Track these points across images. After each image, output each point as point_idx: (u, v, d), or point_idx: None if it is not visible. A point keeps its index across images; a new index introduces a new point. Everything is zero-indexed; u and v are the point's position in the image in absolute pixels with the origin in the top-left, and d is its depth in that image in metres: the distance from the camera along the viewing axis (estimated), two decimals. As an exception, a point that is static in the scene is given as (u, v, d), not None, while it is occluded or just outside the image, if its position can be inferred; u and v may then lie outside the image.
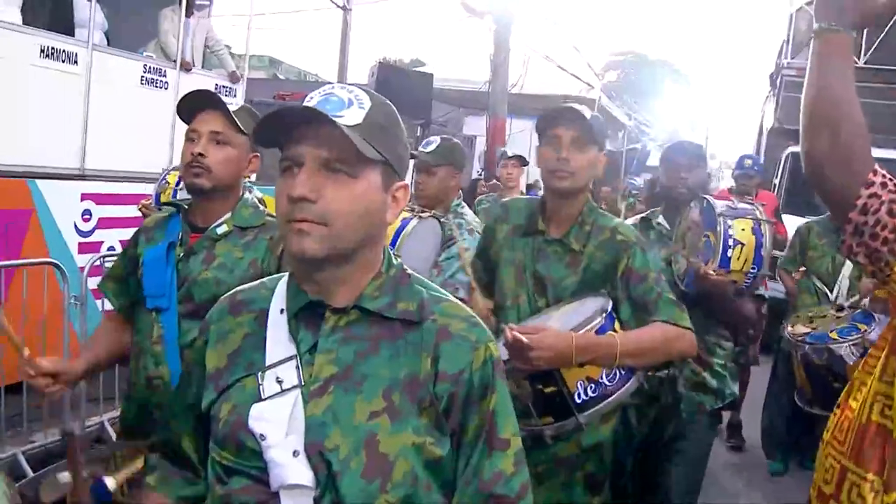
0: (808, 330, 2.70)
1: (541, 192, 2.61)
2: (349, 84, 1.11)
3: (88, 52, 4.76)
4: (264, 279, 1.19)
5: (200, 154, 1.76)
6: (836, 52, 1.19)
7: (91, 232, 4.68)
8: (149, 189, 4.21)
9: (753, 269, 2.24)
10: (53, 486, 1.46)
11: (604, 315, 1.70)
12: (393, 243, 2.23)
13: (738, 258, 2.21)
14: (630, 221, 2.69)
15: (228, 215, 1.85)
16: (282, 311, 1.08)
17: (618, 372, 1.69)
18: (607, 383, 1.68)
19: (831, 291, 3.64)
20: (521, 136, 10.92)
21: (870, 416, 1.20)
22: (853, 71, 1.20)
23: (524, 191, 5.86)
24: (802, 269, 3.89)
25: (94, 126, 4.80)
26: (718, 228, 2.21)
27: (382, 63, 10.39)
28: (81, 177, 4.77)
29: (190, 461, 1.16)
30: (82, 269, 3.89)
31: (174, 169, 3.57)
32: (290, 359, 1.04)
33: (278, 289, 1.11)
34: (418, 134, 8.44)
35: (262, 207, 1.92)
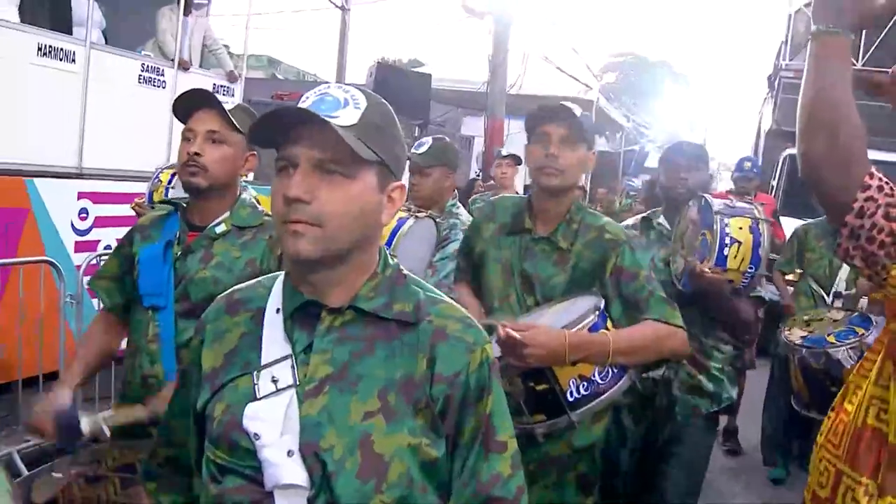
0: (805, 334, 2.68)
1: None
2: (346, 84, 1.10)
3: (86, 51, 4.75)
4: (261, 278, 1.18)
5: (197, 153, 1.76)
6: (834, 55, 1.19)
7: (88, 231, 4.67)
8: (145, 188, 4.20)
9: (751, 268, 2.22)
10: (47, 485, 1.46)
11: (597, 313, 1.69)
12: (389, 243, 2.22)
13: (735, 257, 2.19)
14: (630, 221, 2.67)
15: (227, 214, 1.85)
16: (278, 310, 1.08)
17: (610, 370, 1.68)
18: (600, 381, 1.67)
19: (828, 294, 3.63)
20: (519, 137, 10.84)
21: (865, 420, 1.20)
22: (851, 73, 1.20)
23: (519, 191, 5.85)
24: (799, 271, 3.88)
25: (92, 125, 4.79)
26: (715, 226, 2.19)
27: (381, 63, 10.38)
28: (78, 175, 4.77)
29: (188, 468, 1.16)
30: (79, 267, 3.89)
31: (167, 167, 3.57)
32: (285, 358, 1.04)
33: (275, 288, 1.11)
34: (416, 134, 8.44)
35: (260, 207, 1.92)
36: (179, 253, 1.81)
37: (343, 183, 1.00)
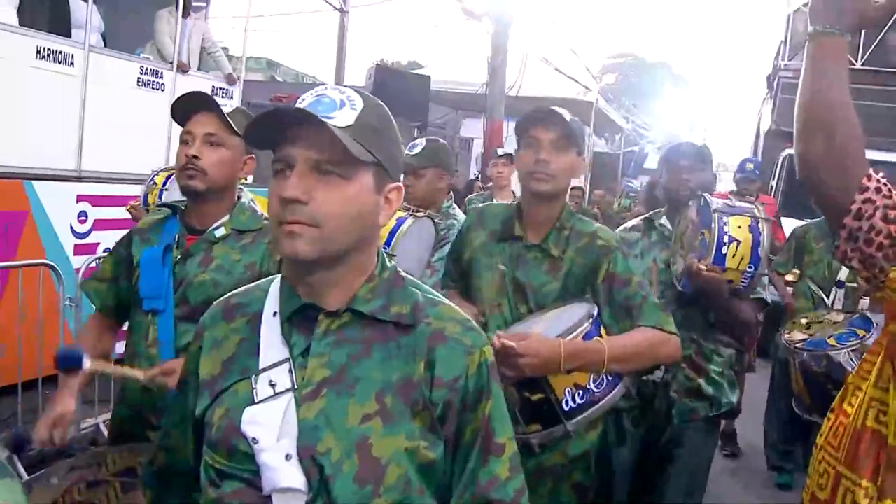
0: (806, 336, 2.65)
1: None
2: (342, 85, 1.10)
3: (85, 54, 4.75)
4: (259, 281, 1.18)
5: (195, 156, 1.75)
6: (831, 56, 1.18)
7: (87, 234, 4.67)
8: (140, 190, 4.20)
9: (750, 267, 2.19)
10: (47, 490, 1.46)
11: (590, 321, 1.68)
12: (388, 243, 2.21)
13: (734, 256, 2.16)
14: (633, 222, 2.65)
15: (226, 218, 1.84)
16: (275, 313, 1.07)
17: (605, 378, 1.67)
18: (595, 390, 1.66)
19: (828, 296, 3.60)
20: (519, 138, 10.89)
21: (864, 422, 1.19)
22: (848, 74, 1.19)
23: (516, 190, 5.83)
24: (797, 271, 3.86)
25: (91, 127, 4.79)
26: (713, 225, 2.17)
27: (380, 65, 10.39)
28: (78, 178, 4.76)
29: (186, 474, 1.15)
30: (78, 270, 3.88)
31: (162, 170, 3.56)
32: (282, 362, 1.04)
33: (271, 291, 1.11)
34: (415, 136, 8.45)
35: (259, 211, 1.91)
36: (179, 256, 1.80)
37: (340, 184, 1.00)
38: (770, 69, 14.97)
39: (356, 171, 1.01)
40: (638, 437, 2.39)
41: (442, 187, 2.76)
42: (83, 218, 4.65)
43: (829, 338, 2.52)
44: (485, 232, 1.97)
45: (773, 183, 8.45)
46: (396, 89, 8.92)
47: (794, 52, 11.21)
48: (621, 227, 2.69)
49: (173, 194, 3.17)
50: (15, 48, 4.32)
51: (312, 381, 1.02)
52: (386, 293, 1.07)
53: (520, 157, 1.90)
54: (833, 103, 1.16)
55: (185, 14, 5.75)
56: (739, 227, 2.19)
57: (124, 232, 2.00)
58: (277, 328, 1.06)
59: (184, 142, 1.79)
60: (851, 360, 2.33)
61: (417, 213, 2.35)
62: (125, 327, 1.93)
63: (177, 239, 1.82)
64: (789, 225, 5.03)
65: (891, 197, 1.14)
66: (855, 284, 3.33)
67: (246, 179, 3.01)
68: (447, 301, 1.13)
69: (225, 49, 6.73)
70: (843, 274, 3.53)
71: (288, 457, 0.98)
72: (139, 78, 5.27)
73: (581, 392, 1.64)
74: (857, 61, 10.35)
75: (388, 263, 1.11)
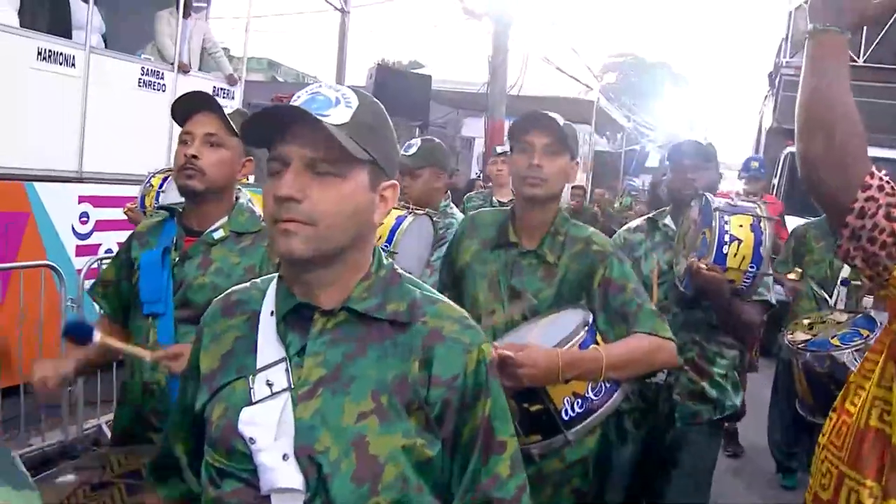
0: (809, 337, 2.62)
1: None
2: (337, 84, 1.10)
3: (86, 55, 4.75)
4: (257, 279, 1.18)
5: (194, 156, 1.75)
6: (831, 54, 1.18)
7: (88, 234, 4.68)
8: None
9: (752, 267, 2.16)
10: (51, 492, 1.45)
11: (586, 328, 1.67)
12: (389, 240, 2.21)
13: (735, 255, 2.14)
14: (636, 223, 2.63)
15: (225, 220, 1.84)
16: (272, 313, 1.07)
17: (603, 385, 1.66)
18: (593, 397, 1.65)
19: (831, 296, 3.58)
20: (520, 138, 10.88)
21: (868, 422, 1.19)
22: (848, 72, 1.19)
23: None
24: (799, 269, 3.84)
25: (92, 128, 4.80)
26: (714, 224, 2.15)
27: (381, 65, 10.39)
28: (79, 179, 4.77)
29: (179, 464, 1.17)
30: (79, 271, 3.88)
31: (159, 172, 3.57)
32: (279, 361, 1.04)
33: (269, 290, 1.11)
34: (417, 136, 8.45)
35: (257, 212, 1.91)
36: (177, 259, 1.80)
37: (335, 182, 0.99)
38: (771, 67, 14.95)
39: (351, 169, 1.00)
40: (639, 438, 2.38)
41: (439, 187, 2.76)
42: (85, 219, 4.66)
43: (832, 338, 2.49)
44: (478, 240, 1.96)
45: (775, 181, 8.43)
46: (397, 89, 8.92)
47: (796, 50, 11.19)
48: (624, 228, 2.66)
49: (170, 196, 3.17)
50: (16, 49, 4.33)
51: (309, 380, 1.02)
52: (382, 291, 1.07)
53: (513, 162, 1.89)
54: (833, 101, 1.15)
55: (186, 14, 5.75)
56: (741, 226, 2.17)
57: (126, 233, 2.00)
58: (274, 327, 1.06)
59: (183, 142, 1.79)
60: (855, 360, 2.29)
61: (417, 212, 2.34)
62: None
63: (175, 241, 1.82)
64: (792, 223, 5.01)
65: (894, 195, 1.13)
66: (859, 283, 3.31)
67: (247, 180, 3.02)
68: (445, 299, 1.13)
69: (226, 49, 6.73)
70: (846, 272, 3.51)
71: (285, 457, 0.98)
72: (140, 79, 5.27)
73: (580, 401, 1.63)
74: (859, 58, 10.33)
75: (385, 261, 1.11)
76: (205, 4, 6.29)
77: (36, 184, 4.33)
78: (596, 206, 9.41)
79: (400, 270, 1.12)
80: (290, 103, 1.02)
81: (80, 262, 4.18)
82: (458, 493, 1.04)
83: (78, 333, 1.66)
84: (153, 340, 1.77)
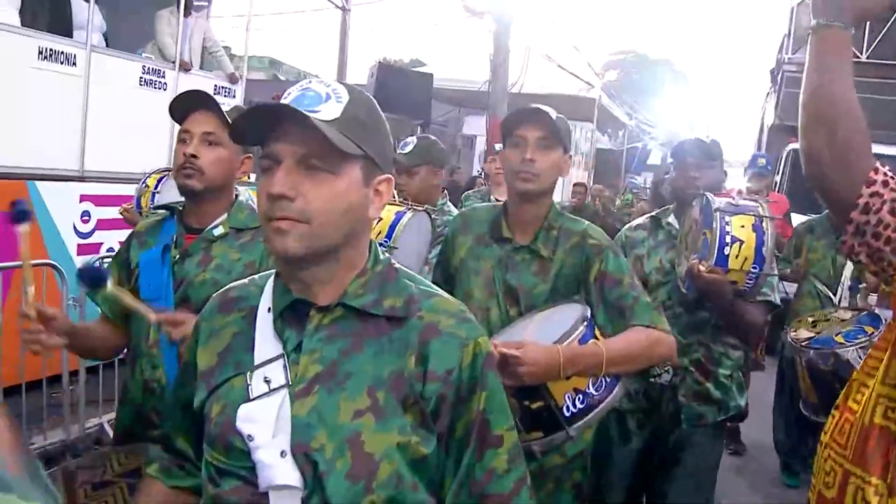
0: (812, 334, 2.60)
1: None
2: (328, 79, 1.09)
3: (87, 54, 4.75)
4: (255, 276, 1.18)
5: (193, 155, 1.75)
6: (834, 50, 1.17)
7: (90, 233, 4.68)
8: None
9: (754, 268, 2.13)
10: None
11: (585, 324, 1.66)
12: (389, 236, 2.20)
13: (737, 256, 2.12)
14: (639, 221, 2.61)
15: (224, 217, 1.83)
16: (269, 309, 1.07)
17: (603, 380, 1.65)
18: (594, 393, 1.64)
19: (834, 294, 3.55)
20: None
21: (872, 419, 1.18)
22: (852, 67, 1.18)
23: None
24: (798, 261, 3.82)
25: (93, 127, 4.80)
26: (715, 225, 2.13)
27: (382, 63, 10.38)
28: (80, 178, 4.77)
29: (187, 456, 1.17)
30: (81, 270, 3.88)
31: (154, 172, 3.57)
32: (277, 358, 1.03)
33: (267, 286, 1.10)
34: (418, 134, 8.45)
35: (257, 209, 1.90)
36: (177, 256, 1.79)
37: (328, 178, 0.99)
38: (773, 63, 14.92)
39: (344, 165, 1.00)
40: (642, 439, 2.37)
41: (436, 184, 2.75)
42: (86, 218, 4.66)
43: (836, 335, 2.47)
44: (472, 236, 1.95)
45: (777, 178, 8.41)
46: (398, 87, 8.92)
47: (798, 46, 11.16)
48: (627, 226, 2.65)
49: (165, 197, 3.16)
50: (17, 49, 4.33)
51: (305, 377, 1.01)
52: (378, 287, 1.06)
53: (506, 157, 1.87)
54: (836, 97, 1.14)
55: (187, 13, 5.74)
56: (742, 226, 2.15)
57: (127, 231, 2.00)
58: (271, 324, 1.06)
59: (182, 140, 1.78)
60: (859, 357, 2.27)
61: (416, 208, 2.34)
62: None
63: (175, 238, 1.82)
64: (795, 221, 4.99)
65: None
66: (864, 285, 3.29)
67: (249, 178, 3.01)
68: (443, 293, 1.12)
69: (227, 48, 6.72)
70: (850, 270, 3.49)
71: (283, 454, 0.98)
72: (141, 77, 5.27)
73: (581, 396, 1.63)
74: (861, 54, 10.31)
75: (381, 256, 1.10)
76: (205, 3, 6.28)
77: (37, 183, 4.33)
78: (597, 201, 9.39)
79: (397, 265, 1.12)
80: (281, 100, 1.01)
81: (82, 261, 4.18)
82: (452, 488, 1.03)
83: (92, 278, 1.64)
84: (154, 338, 1.77)
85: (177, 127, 1.84)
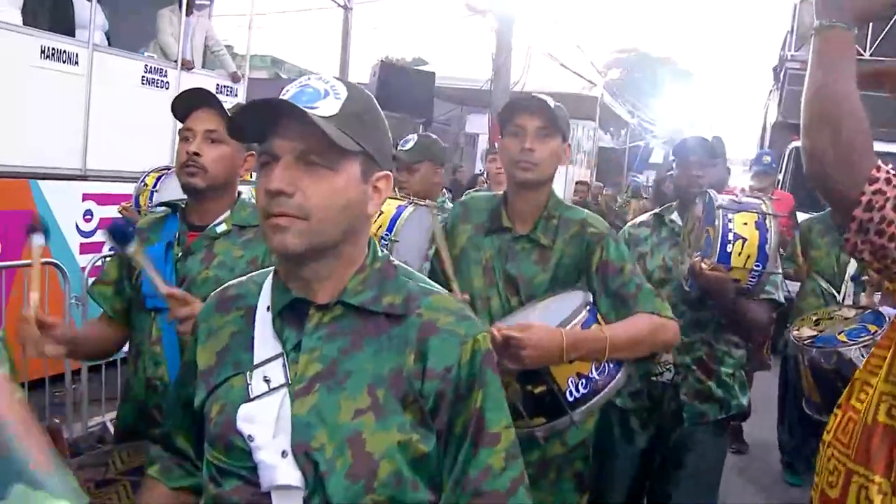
0: (815, 332, 2.59)
1: None
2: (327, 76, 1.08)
3: (89, 53, 4.76)
4: (252, 273, 1.17)
5: (196, 153, 1.75)
6: (837, 50, 1.17)
7: (92, 232, 4.68)
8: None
9: (758, 265, 2.13)
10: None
11: (587, 308, 1.66)
12: (390, 229, 2.20)
13: (740, 254, 2.11)
14: (641, 218, 2.60)
15: (227, 214, 1.84)
16: (268, 308, 1.07)
17: (606, 365, 1.65)
18: (597, 378, 1.63)
19: (838, 292, 3.54)
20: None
21: (876, 417, 1.18)
22: (854, 67, 1.18)
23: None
24: (802, 259, 3.81)
25: (96, 126, 4.81)
26: (717, 222, 2.12)
27: (384, 62, 10.38)
28: (83, 177, 4.78)
29: (187, 456, 1.17)
30: (84, 269, 3.89)
31: (153, 170, 3.57)
32: (276, 357, 1.03)
33: (265, 284, 1.10)
34: (420, 132, 8.45)
35: None
36: (180, 254, 1.79)
37: (326, 175, 0.98)
38: (776, 60, 14.88)
39: (342, 161, 0.99)
40: (645, 438, 2.36)
41: (437, 182, 2.76)
42: (88, 216, 4.67)
43: (839, 334, 2.45)
44: (471, 225, 1.94)
45: (781, 176, 8.39)
46: (401, 86, 8.92)
47: (801, 43, 11.13)
48: (630, 223, 2.64)
49: (164, 195, 3.17)
50: (19, 48, 4.34)
51: (305, 376, 1.01)
52: (378, 284, 1.06)
53: (505, 147, 1.86)
54: (839, 98, 1.14)
55: (189, 12, 5.75)
56: (745, 223, 2.14)
57: (128, 231, 1.99)
58: (270, 323, 1.05)
59: (184, 139, 1.79)
60: (862, 356, 2.26)
61: (418, 203, 2.34)
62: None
63: (177, 236, 1.82)
64: (798, 219, 4.98)
65: None
66: (867, 277, 3.28)
67: (251, 177, 3.01)
68: (441, 290, 1.11)
69: (229, 47, 6.73)
70: (853, 267, 3.48)
71: (284, 453, 0.98)
72: (143, 76, 5.28)
73: (584, 381, 1.62)
74: (865, 52, 10.28)
75: (380, 253, 1.10)
76: (207, 2, 6.30)
77: (40, 181, 4.34)
78: (599, 198, 9.39)
79: (396, 262, 1.11)
80: (280, 96, 1.01)
81: (84, 260, 4.19)
82: (448, 485, 1.02)
83: (120, 234, 1.64)
84: (157, 335, 1.77)
85: (179, 125, 1.84)
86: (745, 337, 2.41)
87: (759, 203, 2.22)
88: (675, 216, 2.48)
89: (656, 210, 2.59)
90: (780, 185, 8.04)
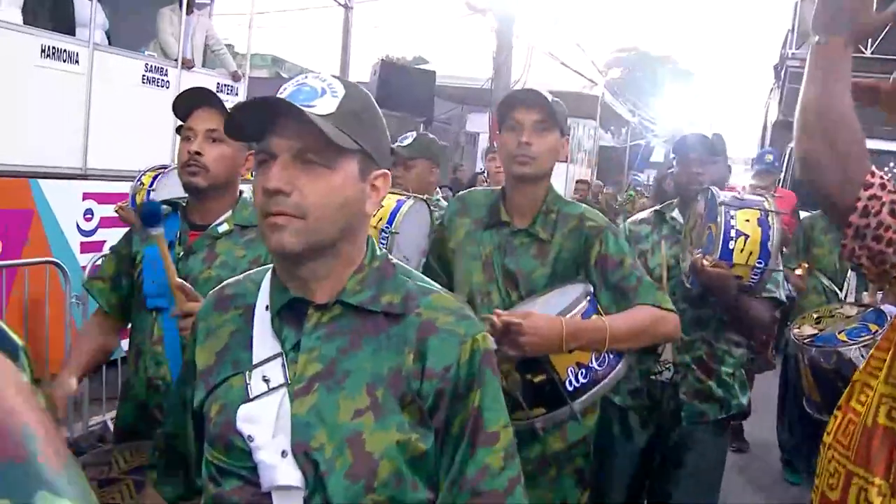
0: (815, 331, 2.57)
1: None
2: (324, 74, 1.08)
3: (90, 52, 4.75)
4: (250, 272, 1.17)
5: (197, 152, 1.75)
6: (833, 61, 1.17)
7: (93, 231, 4.68)
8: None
9: (759, 262, 2.11)
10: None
11: (588, 298, 1.65)
12: (390, 222, 2.20)
13: (742, 251, 2.09)
14: (642, 215, 2.60)
15: (229, 214, 1.83)
16: (267, 307, 1.06)
17: (606, 356, 1.64)
18: (598, 368, 1.62)
19: (840, 289, 3.53)
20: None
21: (876, 419, 1.17)
22: (850, 80, 1.18)
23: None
24: (806, 265, 3.80)
25: (96, 125, 4.80)
26: (719, 219, 2.11)
27: (385, 61, 10.37)
28: (83, 176, 4.77)
29: (186, 455, 1.16)
30: (84, 268, 3.89)
31: (150, 169, 3.56)
32: (275, 357, 1.02)
33: (263, 283, 1.09)
34: (421, 131, 8.44)
35: None
36: (182, 253, 1.79)
37: (324, 173, 0.98)
38: (777, 59, 14.88)
39: (340, 160, 0.99)
40: (645, 437, 2.35)
41: (432, 181, 2.78)
42: (89, 216, 4.67)
43: (839, 333, 2.44)
44: (469, 220, 1.93)
45: (781, 175, 8.38)
46: (401, 85, 8.91)
47: (802, 41, 11.12)
48: (631, 220, 2.64)
49: (161, 194, 3.16)
50: (19, 47, 4.33)
51: (304, 376, 1.01)
52: (376, 283, 1.05)
53: (503, 142, 1.85)
54: (835, 110, 1.14)
55: (189, 11, 5.74)
56: (747, 220, 2.13)
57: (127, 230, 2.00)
58: (269, 322, 1.05)
59: (185, 138, 1.79)
60: (862, 356, 2.25)
61: (418, 196, 2.35)
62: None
63: (179, 235, 1.82)
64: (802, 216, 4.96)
65: None
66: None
67: (251, 176, 3.01)
68: (440, 289, 1.11)
69: (230, 46, 6.72)
70: (852, 295, 3.45)
71: (284, 453, 0.98)
72: (144, 75, 5.27)
73: (584, 371, 1.61)
74: (866, 50, 10.27)
75: (378, 252, 1.09)
76: (208, 1, 6.28)
77: (40, 181, 4.34)
78: (599, 197, 9.39)
79: (395, 261, 1.11)
80: (277, 95, 1.01)
81: (85, 259, 4.19)
82: (444, 484, 1.02)
83: (149, 216, 1.67)
84: (158, 335, 1.77)
85: (179, 124, 1.84)
86: (747, 335, 2.40)
87: (761, 200, 2.21)
88: (675, 213, 2.47)
89: (657, 207, 2.59)
90: (780, 184, 8.03)
